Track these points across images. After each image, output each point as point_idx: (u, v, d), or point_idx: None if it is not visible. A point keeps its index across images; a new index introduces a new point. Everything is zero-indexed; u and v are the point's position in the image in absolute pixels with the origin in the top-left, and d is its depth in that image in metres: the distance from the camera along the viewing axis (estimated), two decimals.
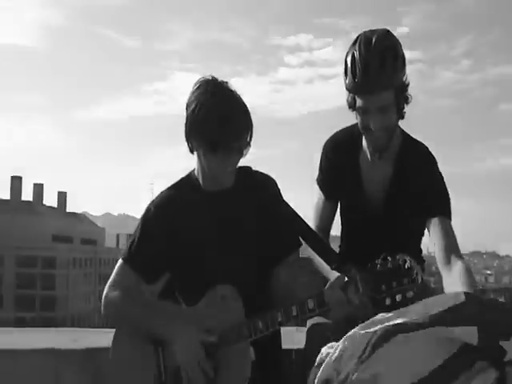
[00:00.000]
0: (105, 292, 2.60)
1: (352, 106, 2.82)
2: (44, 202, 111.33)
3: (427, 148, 2.95)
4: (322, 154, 3.06)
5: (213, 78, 2.48)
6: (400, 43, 2.78)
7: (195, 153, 2.54)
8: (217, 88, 2.45)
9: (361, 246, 2.90)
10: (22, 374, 3.07)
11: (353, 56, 2.74)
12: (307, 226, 2.65)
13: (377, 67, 2.68)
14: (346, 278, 2.30)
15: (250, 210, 2.59)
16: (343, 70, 2.80)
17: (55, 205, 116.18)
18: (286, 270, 2.59)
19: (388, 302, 2.20)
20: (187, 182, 2.64)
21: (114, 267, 2.67)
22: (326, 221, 3.07)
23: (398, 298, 2.19)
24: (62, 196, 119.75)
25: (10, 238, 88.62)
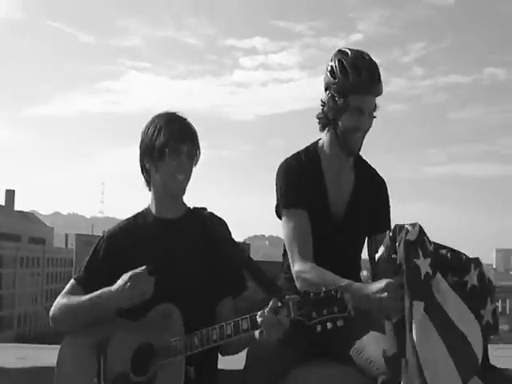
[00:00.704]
0: (53, 306, 2.82)
1: (342, 107, 2.98)
2: None
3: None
4: (282, 176, 3.11)
5: (161, 112, 2.84)
6: None
7: (151, 184, 2.84)
8: (163, 116, 2.81)
9: (327, 255, 3.01)
10: None
11: (350, 62, 2.97)
12: (250, 259, 2.88)
13: (379, 74, 3.00)
14: (280, 303, 2.42)
15: (199, 242, 2.80)
16: (333, 75, 3.01)
17: (3, 203, 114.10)
18: (227, 307, 2.79)
19: (319, 328, 2.34)
20: (141, 213, 2.89)
21: (62, 267, 2.83)
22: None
23: (329, 325, 2.32)
24: (9, 194, 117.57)
25: None
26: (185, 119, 2.83)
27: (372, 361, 2.80)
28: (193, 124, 2.84)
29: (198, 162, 2.84)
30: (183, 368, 2.53)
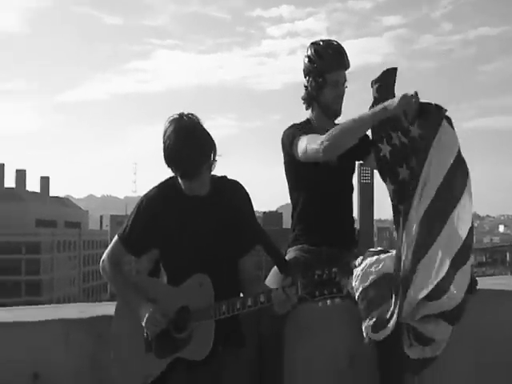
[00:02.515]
0: (102, 257, 3.38)
1: (321, 85, 3.82)
2: (27, 188, 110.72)
3: None
4: (289, 129, 3.90)
5: (180, 115, 3.13)
6: None
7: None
8: (181, 128, 3.09)
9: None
10: (34, 343, 3.56)
11: (322, 49, 3.83)
12: (265, 232, 3.39)
13: (345, 52, 3.85)
14: (290, 282, 3.03)
15: (222, 212, 3.27)
16: (311, 62, 3.82)
17: (38, 190, 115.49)
18: (250, 260, 3.34)
19: (320, 304, 2.95)
20: (174, 184, 3.26)
21: (97, 249, 3.39)
22: None
23: (328, 302, 2.94)
24: (44, 181, 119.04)
25: None
26: (200, 131, 3.11)
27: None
28: (204, 129, 3.13)
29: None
30: (213, 329, 3.08)
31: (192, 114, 3.14)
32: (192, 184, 3.18)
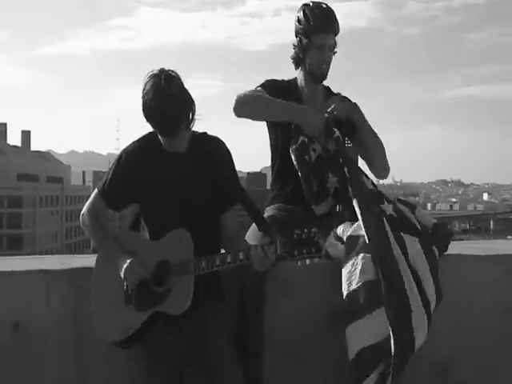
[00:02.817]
0: (82, 211, 3.39)
1: (306, 47, 3.80)
2: (8, 142, 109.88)
3: None
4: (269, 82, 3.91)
5: (160, 71, 3.10)
6: None
7: None
8: (160, 84, 3.04)
9: None
10: (15, 293, 3.57)
11: (310, 10, 3.79)
12: (243, 189, 3.39)
13: (334, 17, 3.82)
14: (269, 240, 3.05)
15: (202, 169, 3.26)
16: (299, 22, 3.81)
17: (19, 144, 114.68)
18: (230, 217, 3.34)
19: (299, 263, 2.98)
20: (152, 139, 3.25)
21: (80, 204, 3.39)
22: None
23: (307, 262, 2.96)
24: (25, 135, 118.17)
25: None
26: (178, 89, 3.08)
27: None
28: (183, 86, 3.10)
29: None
30: (192, 284, 3.08)
31: (172, 71, 3.11)
32: (171, 141, 3.18)
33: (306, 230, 2.94)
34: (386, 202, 3.59)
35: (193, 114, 3.14)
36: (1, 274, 3.62)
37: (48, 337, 3.58)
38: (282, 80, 3.97)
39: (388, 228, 3.46)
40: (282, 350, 3.69)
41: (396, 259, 3.39)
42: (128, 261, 3.15)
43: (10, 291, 3.57)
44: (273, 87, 3.83)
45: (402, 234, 3.49)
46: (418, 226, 3.62)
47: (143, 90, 3.09)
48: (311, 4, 3.85)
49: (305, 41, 3.79)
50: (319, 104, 3.89)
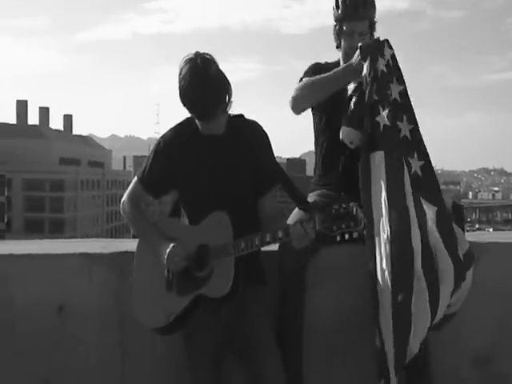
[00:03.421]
0: (122, 199, 3.44)
1: (339, 33, 3.86)
2: (50, 126, 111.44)
3: None
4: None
5: (195, 55, 3.09)
6: None
7: None
8: (196, 69, 3.05)
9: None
10: (58, 276, 3.63)
11: None
12: (283, 171, 3.34)
13: (365, 2, 3.79)
14: (308, 217, 2.99)
15: (240, 151, 3.27)
16: (333, 8, 3.84)
17: (61, 128, 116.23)
18: (269, 201, 3.34)
19: (338, 238, 2.93)
20: (190, 124, 3.27)
21: (121, 189, 3.42)
22: None
23: (346, 236, 2.91)
24: (67, 119, 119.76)
25: (18, 162, 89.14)
26: (215, 72, 3.07)
27: None
28: (219, 70, 3.09)
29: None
30: (233, 266, 3.08)
31: (207, 54, 3.11)
32: (208, 125, 3.18)
33: (343, 205, 2.92)
34: (415, 156, 3.45)
35: (229, 98, 3.13)
36: (44, 257, 3.69)
37: (91, 320, 3.63)
38: (326, 62, 3.97)
39: (409, 188, 3.38)
40: (322, 340, 3.69)
41: (410, 223, 3.32)
42: (170, 246, 3.17)
43: (53, 274, 3.63)
44: (317, 71, 3.81)
45: (421, 198, 3.40)
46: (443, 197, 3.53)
47: (179, 74, 3.10)
48: None
49: (337, 27, 3.87)
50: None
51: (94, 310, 3.62)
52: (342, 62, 3.89)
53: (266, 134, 3.37)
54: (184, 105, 3.13)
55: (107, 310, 3.62)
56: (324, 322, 3.69)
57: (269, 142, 3.36)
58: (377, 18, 3.88)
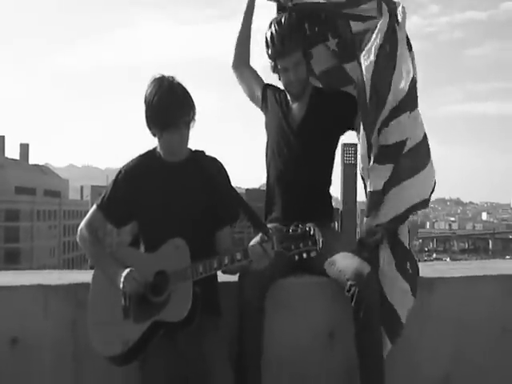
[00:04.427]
0: (80, 227, 3.43)
1: (275, 70, 3.90)
2: (6, 155, 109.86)
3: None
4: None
5: (161, 76, 3.26)
6: (302, 18, 3.91)
7: (157, 137, 3.30)
8: (163, 85, 3.21)
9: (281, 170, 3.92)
10: (13, 308, 3.54)
11: (270, 33, 3.82)
12: (244, 201, 3.44)
13: (287, 38, 3.77)
14: (266, 238, 3.06)
15: (200, 180, 3.33)
16: (264, 45, 3.86)
17: (17, 157, 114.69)
18: (227, 236, 3.40)
19: (296, 258, 3.00)
20: (152, 154, 3.39)
21: (78, 219, 3.40)
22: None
23: (305, 255, 2.98)
24: (24, 148, 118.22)
25: None
26: (180, 88, 3.23)
27: (341, 270, 3.54)
28: (185, 87, 3.24)
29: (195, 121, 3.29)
30: (191, 290, 3.09)
31: (172, 76, 3.25)
32: (172, 138, 3.24)
33: (300, 226, 2.99)
34: None
35: (193, 114, 3.24)
36: None
37: (46, 352, 3.57)
38: (279, 89, 4.07)
39: None
40: (280, 369, 3.69)
41: None
42: (127, 270, 3.16)
43: (7, 306, 3.56)
44: (270, 95, 4.05)
45: None
46: None
47: (146, 93, 3.23)
48: (272, 24, 3.87)
49: (272, 64, 3.90)
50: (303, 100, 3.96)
51: (49, 341, 3.57)
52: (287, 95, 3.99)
53: (224, 168, 3.44)
54: (149, 119, 3.23)
55: (62, 341, 3.58)
56: (282, 352, 3.70)
57: (228, 178, 3.43)
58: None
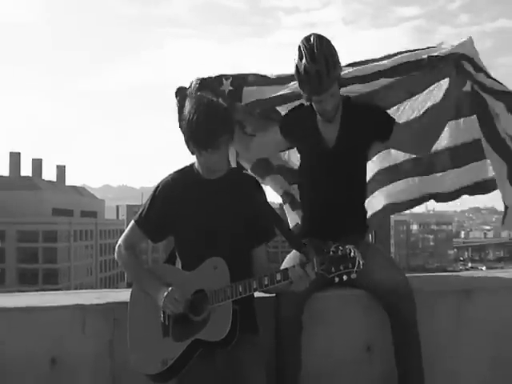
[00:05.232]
0: (118, 243, 3.43)
1: (309, 100, 3.72)
2: (43, 177, 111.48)
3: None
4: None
5: (200, 94, 3.32)
6: (331, 44, 3.63)
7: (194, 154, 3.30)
8: (202, 103, 3.21)
9: (320, 189, 3.83)
10: (52, 329, 3.58)
11: (304, 68, 3.56)
12: (280, 218, 3.45)
13: (325, 73, 3.53)
14: (306, 260, 3.03)
15: (237, 198, 3.31)
16: (296, 77, 3.65)
17: (54, 179, 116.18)
18: (263, 253, 3.36)
19: (336, 280, 2.94)
20: (190, 170, 3.37)
21: (114, 238, 3.41)
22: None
23: (345, 278, 2.92)
24: (60, 169, 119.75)
25: (11, 214, 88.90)
26: (220, 107, 3.22)
27: (377, 283, 3.54)
28: (223, 105, 3.26)
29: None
30: (231, 310, 3.07)
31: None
32: (211, 158, 3.22)
33: (341, 247, 2.94)
34: None
35: (233, 132, 3.25)
36: (37, 310, 3.66)
37: (84, 372, 3.60)
38: (300, 109, 3.90)
39: None
40: (317, 383, 3.66)
41: None
42: (168, 290, 3.16)
43: (47, 327, 3.60)
44: (289, 125, 3.92)
45: None
46: None
47: (184, 111, 3.22)
48: (303, 61, 3.58)
49: (305, 96, 3.70)
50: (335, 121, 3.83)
51: (87, 361, 3.60)
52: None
53: (262, 187, 3.45)
54: (188, 138, 3.22)
55: (100, 360, 3.60)
56: (319, 366, 3.68)
57: (265, 195, 3.43)
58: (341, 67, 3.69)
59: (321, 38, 3.59)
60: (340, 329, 3.73)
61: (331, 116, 3.76)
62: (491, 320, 3.85)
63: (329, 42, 3.61)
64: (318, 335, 3.65)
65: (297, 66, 3.62)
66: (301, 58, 3.59)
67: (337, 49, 3.63)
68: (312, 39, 3.58)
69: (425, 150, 3.97)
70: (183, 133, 3.23)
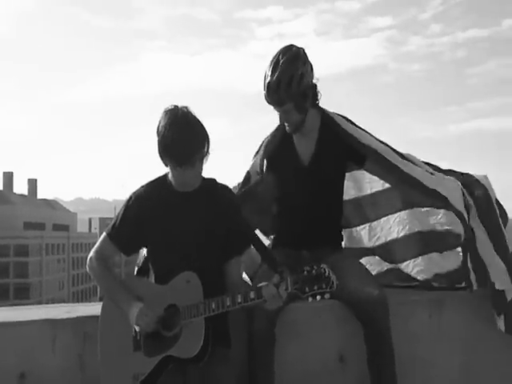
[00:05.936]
0: (89, 255, 3.36)
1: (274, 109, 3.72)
2: (14, 190, 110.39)
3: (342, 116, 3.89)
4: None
5: (175, 107, 3.17)
6: (300, 57, 3.62)
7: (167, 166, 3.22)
8: (177, 117, 3.12)
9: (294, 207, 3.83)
10: (20, 344, 3.52)
11: (265, 78, 3.62)
12: (255, 233, 3.43)
13: (274, 88, 3.58)
14: (280, 278, 3.00)
15: (210, 209, 3.26)
16: (263, 88, 3.65)
17: (26, 192, 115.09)
18: (236, 266, 3.33)
19: (310, 300, 2.91)
20: (163, 181, 3.30)
21: (86, 251, 3.34)
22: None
23: (318, 298, 2.91)
24: (32, 183, 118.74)
25: None
26: (195, 122, 3.14)
27: (350, 292, 3.52)
28: (199, 120, 3.15)
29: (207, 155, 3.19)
30: (203, 326, 3.04)
31: (186, 107, 3.16)
32: (185, 173, 3.16)
33: (315, 267, 2.92)
34: None
35: (208, 147, 3.15)
36: (6, 325, 3.60)
37: None
38: (272, 136, 3.94)
39: None
40: None
41: None
42: (139, 306, 3.11)
43: (15, 342, 3.55)
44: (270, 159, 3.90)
45: None
46: None
47: (158, 125, 3.13)
48: (267, 70, 3.65)
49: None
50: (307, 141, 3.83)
51: (57, 375, 3.54)
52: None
53: (236, 198, 3.44)
54: (162, 153, 3.13)
55: (71, 375, 3.54)
56: (292, 377, 3.66)
57: (239, 207, 3.39)
58: (316, 83, 3.72)
59: (288, 51, 3.63)
60: (312, 339, 3.71)
61: (295, 129, 3.76)
62: (462, 328, 3.88)
63: (297, 55, 3.62)
64: (290, 347, 3.63)
65: (264, 76, 3.65)
66: (268, 69, 3.64)
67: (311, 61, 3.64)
68: (280, 51, 3.63)
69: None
70: (158, 147, 3.15)
